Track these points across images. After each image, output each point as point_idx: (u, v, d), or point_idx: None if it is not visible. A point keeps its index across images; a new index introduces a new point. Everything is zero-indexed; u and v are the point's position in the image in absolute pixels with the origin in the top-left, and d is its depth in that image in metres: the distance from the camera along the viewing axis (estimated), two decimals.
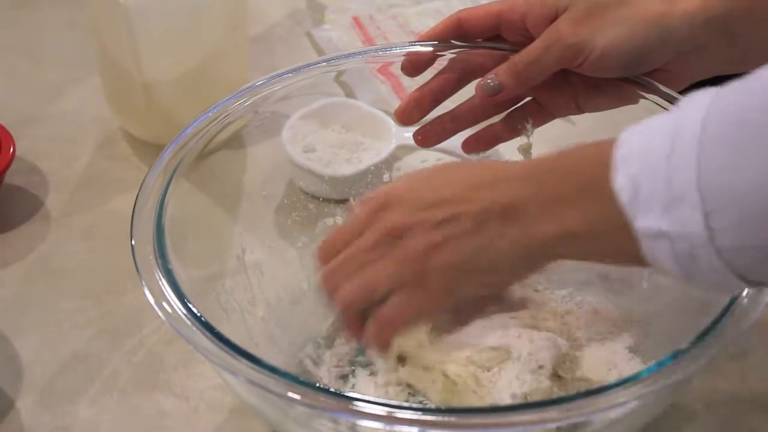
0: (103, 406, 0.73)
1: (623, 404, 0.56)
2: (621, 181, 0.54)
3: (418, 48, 0.79)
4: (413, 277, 0.62)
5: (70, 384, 0.75)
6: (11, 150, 0.88)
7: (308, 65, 0.80)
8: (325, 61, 0.81)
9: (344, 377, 0.73)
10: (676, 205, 0.52)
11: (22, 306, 0.81)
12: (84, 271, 0.84)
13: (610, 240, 0.57)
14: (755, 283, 0.54)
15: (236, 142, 0.78)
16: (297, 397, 0.57)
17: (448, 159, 0.84)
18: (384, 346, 0.65)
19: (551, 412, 0.56)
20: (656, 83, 0.74)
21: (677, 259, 0.53)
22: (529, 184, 0.60)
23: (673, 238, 0.53)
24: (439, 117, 0.80)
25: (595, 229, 0.57)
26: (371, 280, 0.63)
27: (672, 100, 0.73)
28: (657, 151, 0.53)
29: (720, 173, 0.51)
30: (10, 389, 0.74)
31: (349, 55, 0.82)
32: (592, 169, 0.57)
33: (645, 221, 0.54)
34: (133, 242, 0.65)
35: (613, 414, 0.60)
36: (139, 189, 0.69)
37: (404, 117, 0.79)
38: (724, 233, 0.51)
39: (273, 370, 0.58)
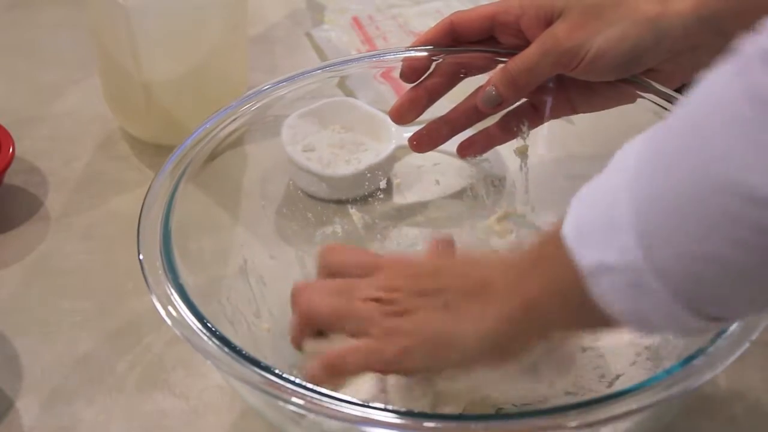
0: (102, 407, 0.73)
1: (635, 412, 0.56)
2: (567, 227, 0.53)
3: (415, 53, 0.78)
4: (379, 333, 0.60)
5: (70, 384, 0.75)
6: (11, 150, 0.88)
7: (313, 70, 0.80)
8: (328, 66, 0.81)
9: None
10: (615, 232, 0.50)
11: (22, 306, 0.81)
12: (84, 271, 0.84)
13: (569, 302, 0.54)
14: (714, 319, 0.50)
15: (236, 142, 0.78)
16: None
17: (446, 160, 0.84)
18: (321, 380, 0.61)
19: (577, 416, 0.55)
20: (653, 82, 0.74)
21: (624, 294, 0.51)
22: (499, 266, 0.59)
23: (614, 269, 0.50)
24: (433, 122, 0.80)
25: (553, 290, 0.54)
26: (344, 308, 0.62)
27: (670, 99, 0.73)
28: (600, 189, 0.52)
29: (648, 198, 0.49)
30: (10, 389, 0.74)
31: (353, 60, 0.82)
32: (548, 239, 0.55)
33: (588, 257, 0.51)
34: (141, 257, 0.65)
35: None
36: (146, 194, 0.69)
37: (399, 116, 0.79)
38: (658, 253, 0.49)
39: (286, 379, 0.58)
